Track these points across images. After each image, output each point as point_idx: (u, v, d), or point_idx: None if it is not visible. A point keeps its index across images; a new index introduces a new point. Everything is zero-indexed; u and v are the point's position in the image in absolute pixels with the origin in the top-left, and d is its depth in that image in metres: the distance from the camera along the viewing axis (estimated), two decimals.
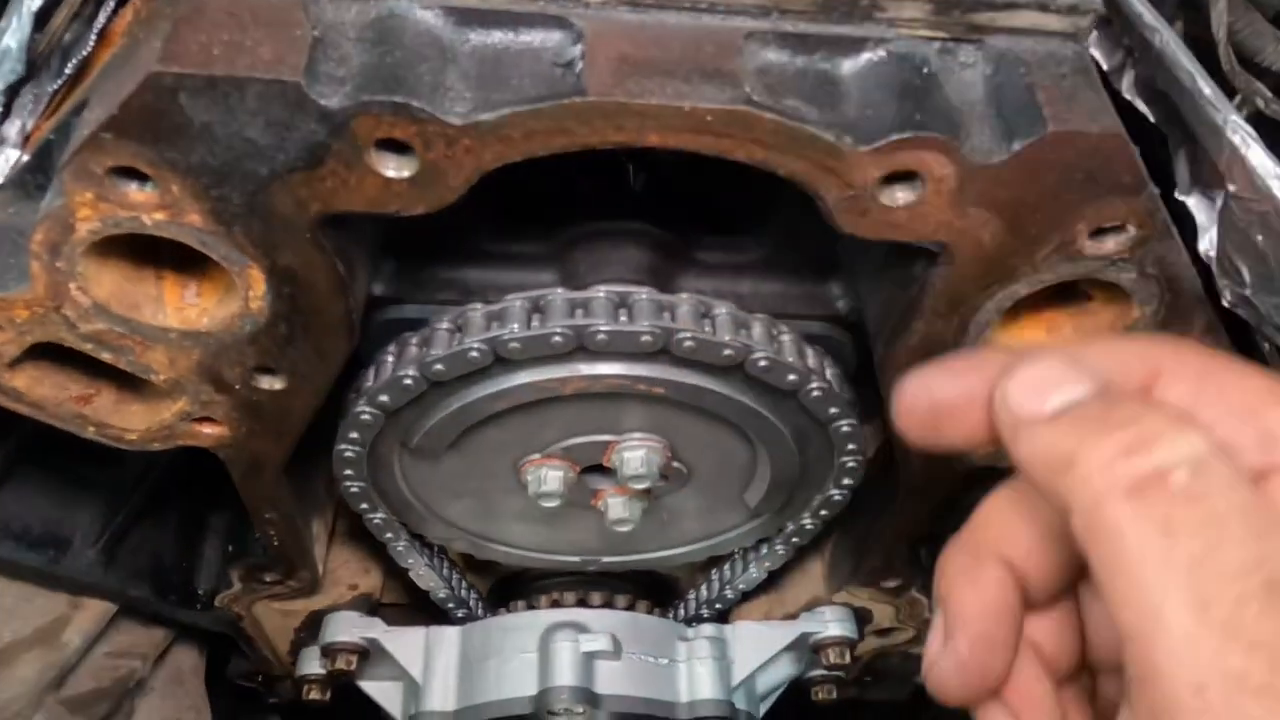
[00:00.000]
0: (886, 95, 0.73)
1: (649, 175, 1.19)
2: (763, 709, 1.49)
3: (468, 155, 0.70)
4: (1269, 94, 0.99)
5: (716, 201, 1.07)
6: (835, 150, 0.70)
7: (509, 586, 1.51)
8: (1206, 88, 0.91)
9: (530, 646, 1.31)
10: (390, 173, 0.71)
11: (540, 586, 1.46)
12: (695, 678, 1.34)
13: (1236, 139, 0.86)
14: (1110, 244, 0.81)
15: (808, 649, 1.45)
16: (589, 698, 1.25)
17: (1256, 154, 0.85)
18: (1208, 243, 0.93)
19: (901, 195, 0.74)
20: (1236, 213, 0.89)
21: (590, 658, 1.28)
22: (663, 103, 0.68)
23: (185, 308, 0.87)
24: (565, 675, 1.26)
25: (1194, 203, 0.94)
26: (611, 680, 1.28)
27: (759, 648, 1.41)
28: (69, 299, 0.81)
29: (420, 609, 1.50)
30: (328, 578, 1.40)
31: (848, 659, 1.43)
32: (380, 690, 1.48)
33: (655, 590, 1.52)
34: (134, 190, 0.72)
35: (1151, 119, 0.99)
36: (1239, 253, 0.92)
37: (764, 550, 1.34)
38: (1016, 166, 0.72)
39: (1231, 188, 0.88)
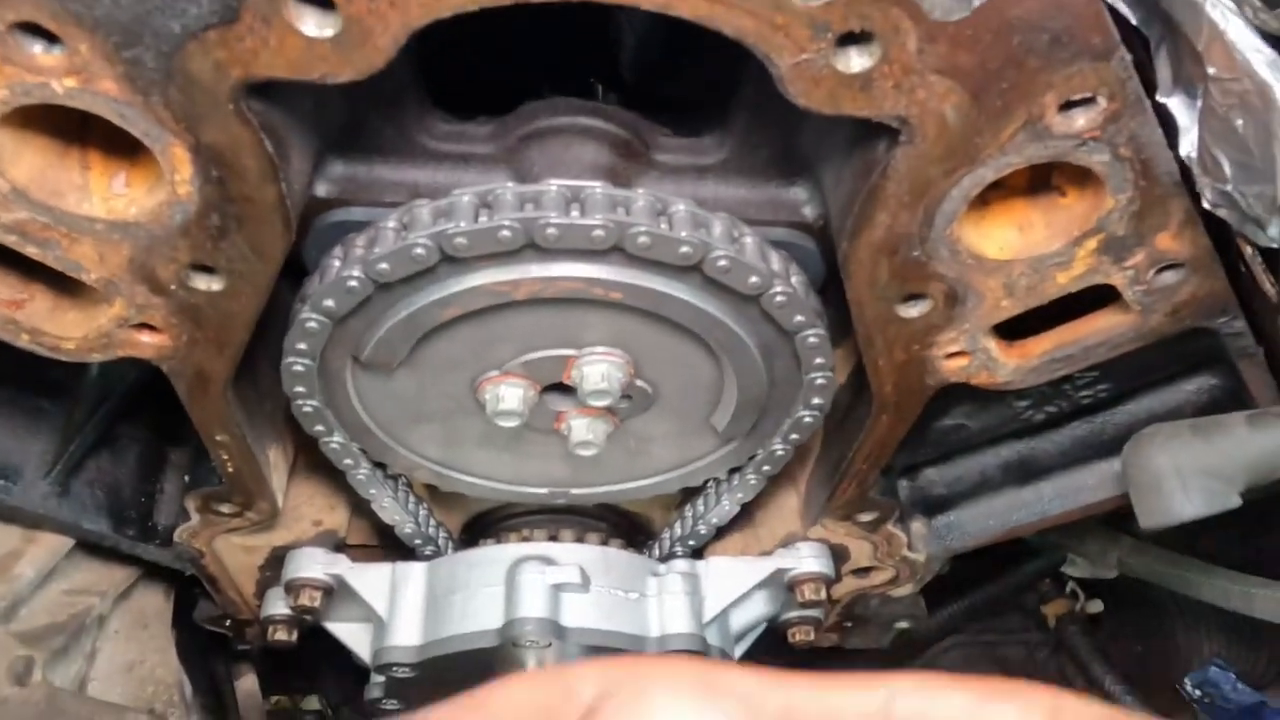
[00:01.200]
0: None
1: (613, 83, 1.15)
2: (739, 651, 1.46)
3: (393, 9, 0.66)
4: (1258, 2, 0.95)
5: (678, 102, 1.03)
6: (785, 3, 0.66)
7: (479, 527, 1.48)
8: None
9: (496, 580, 1.27)
10: (311, 30, 0.67)
11: (510, 525, 1.43)
12: (666, 612, 1.31)
13: (1216, 14, 0.82)
14: (1080, 120, 0.77)
15: (783, 586, 1.42)
16: (555, 630, 1.22)
17: (1236, 28, 0.81)
18: (1189, 144, 0.90)
19: (857, 60, 0.70)
20: (1216, 98, 0.86)
21: (557, 590, 1.25)
22: None
23: (112, 197, 0.83)
24: (531, 607, 1.23)
25: (1175, 104, 0.91)
26: (579, 613, 1.25)
27: (733, 583, 1.38)
28: None
29: (389, 550, 1.46)
30: (290, 513, 1.37)
31: (823, 595, 1.40)
32: (348, 632, 1.45)
33: (628, 530, 1.49)
34: (40, 51, 0.68)
35: (1133, 20, 0.95)
36: (1219, 143, 0.88)
37: (735, 481, 1.31)
38: (978, 24, 0.68)
39: (1211, 70, 0.84)
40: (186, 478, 1.32)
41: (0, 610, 1.23)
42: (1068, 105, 0.75)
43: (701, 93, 1.00)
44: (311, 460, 1.39)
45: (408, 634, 1.30)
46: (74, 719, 1.26)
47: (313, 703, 2.28)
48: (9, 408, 1.25)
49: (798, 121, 0.92)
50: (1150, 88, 0.87)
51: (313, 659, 1.89)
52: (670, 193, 0.95)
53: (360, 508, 1.39)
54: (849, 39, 0.69)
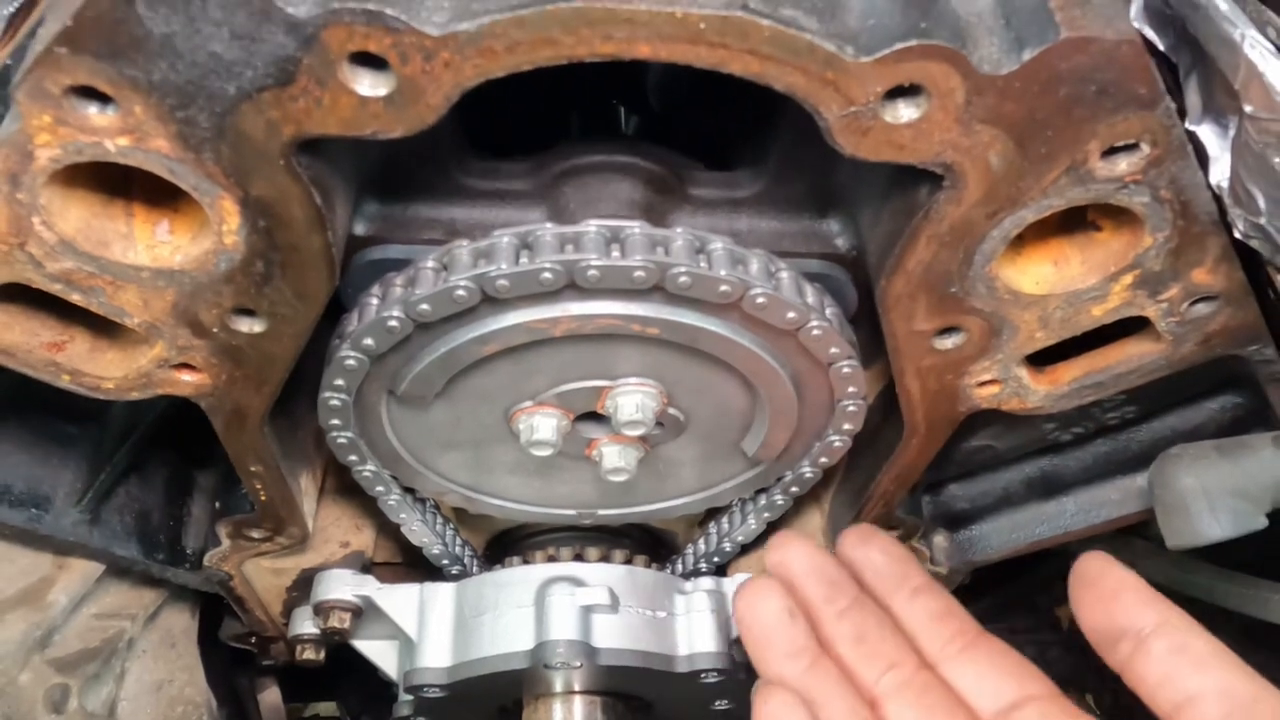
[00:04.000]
0: (890, 5, 0.69)
1: (640, 114, 1.15)
2: None
3: (447, 70, 0.66)
4: None
5: (710, 136, 1.03)
6: (836, 61, 0.66)
7: (504, 544, 1.49)
8: (1223, 3, 0.87)
9: (526, 601, 1.29)
10: (365, 90, 0.67)
11: (535, 543, 1.44)
12: (695, 631, 1.32)
13: (1255, 55, 0.82)
14: (1123, 164, 0.77)
15: None
16: (586, 651, 1.23)
17: (1275, 69, 0.81)
18: (1219, 173, 0.90)
19: (905, 111, 0.71)
20: (1252, 135, 0.86)
21: (587, 611, 1.26)
22: (654, 9, 0.64)
23: (157, 245, 0.83)
24: (562, 629, 1.24)
25: (1205, 131, 0.91)
26: (609, 634, 1.26)
27: None
28: (33, 235, 0.77)
29: (414, 568, 1.47)
30: (318, 535, 1.38)
31: None
32: (375, 650, 1.46)
33: (652, 546, 1.50)
34: (95, 113, 0.68)
35: (1160, 46, 0.96)
36: (1253, 178, 0.88)
37: (762, 501, 1.32)
38: (1027, 77, 0.68)
39: (1248, 108, 0.85)
40: (217, 503, 1.32)
41: (35, 639, 1.24)
42: (1111, 151, 0.76)
43: (734, 128, 1.01)
44: (339, 482, 1.40)
45: (438, 655, 1.31)
46: None
47: (329, 709, 2.29)
48: (39, 436, 1.25)
49: (834, 158, 0.92)
50: (1179, 114, 0.88)
51: (331, 667, 1.90)
52: (705, 227, 0.96)
53: (386, 527, 1.40)
54: (897, 92, 0.69)
